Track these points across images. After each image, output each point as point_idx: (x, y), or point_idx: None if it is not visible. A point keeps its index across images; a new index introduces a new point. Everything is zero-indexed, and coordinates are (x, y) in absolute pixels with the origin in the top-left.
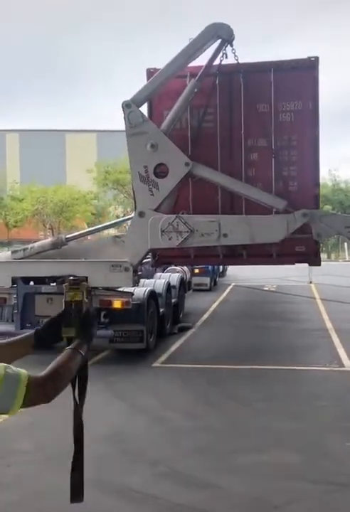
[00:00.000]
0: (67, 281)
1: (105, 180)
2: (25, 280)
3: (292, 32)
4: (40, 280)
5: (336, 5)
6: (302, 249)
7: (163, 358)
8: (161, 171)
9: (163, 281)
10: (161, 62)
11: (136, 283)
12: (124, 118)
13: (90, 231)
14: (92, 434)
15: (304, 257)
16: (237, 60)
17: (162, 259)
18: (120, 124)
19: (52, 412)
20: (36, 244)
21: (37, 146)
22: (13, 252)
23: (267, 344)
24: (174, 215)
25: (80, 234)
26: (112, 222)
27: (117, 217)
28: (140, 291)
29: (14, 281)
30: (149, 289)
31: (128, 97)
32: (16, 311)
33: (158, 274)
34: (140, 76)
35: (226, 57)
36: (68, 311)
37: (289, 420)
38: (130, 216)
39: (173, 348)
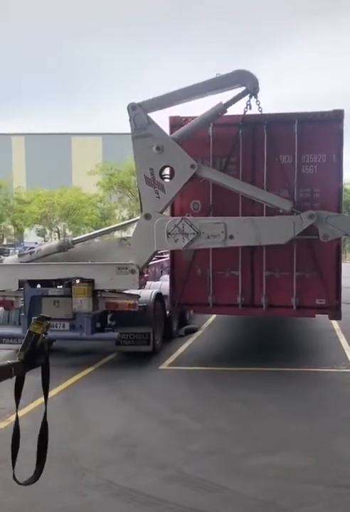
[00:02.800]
0: (36, 316)
1: (110, 182)
2: (32, 283)
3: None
4: (47, 283)
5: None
6: (323, 302)
7: (170, 360)
8: (166, 174)
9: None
10: (162, 70)
11: (142, 285)
12: (130, 120)
13: (96, 234)
14: (99, 437)
15: (325, 310)
16: (260, 111)
17: (182, 306)
18: (126, 127)
19: (54, 416)
20: (43, 247)
21: (42, 149)
22: (19, 255)
23: (275, 346)
24: (180, 217)
25: (86, 237)
26: (118, 224)
27: (123, 219)
28: (146, 293)
29: (21, 284)
30: (155, 291)
31: (132, 99)
32: (23, 314)
33: (164, 276)
34: (145, 79)
35: (250, 109)
36: (28, 338)
37: (299, 422)
38: (136, 218)
39: (180, 350)
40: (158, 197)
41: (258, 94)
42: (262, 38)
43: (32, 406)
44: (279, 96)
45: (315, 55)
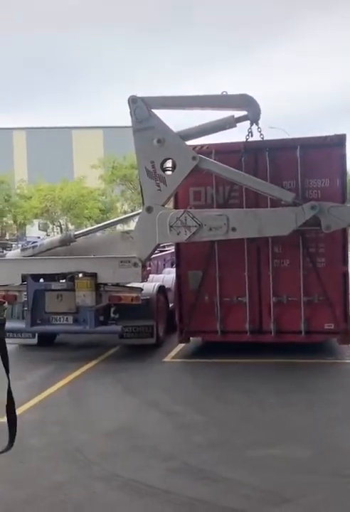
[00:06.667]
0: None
1: (112, 175)
2: (35, 277)
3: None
4: (49, 277)
5: None
6: (331, 326)
7: (173, 352)
8: (168, 166)
9: (173, 276)
10: (163, 64)
11: (145, 278)
12: (131, 113)
13: (99, 227)
14: (104, 429)
15: (334, 334)
16: (262, 138)
17: (190, 334)
18: (127, 120)
19: (59, 409)
20: (45, 241)
21: (44, 144)
22: (22, 250)
23: None
24: (182, 210)
25: (88, 230)
26: (120, 217)
27: (125, 213)
28: (149, 286)
29: (24, 278)
30: (158, 284)
31: (133, 92)
32: (26, 309)
33: (167, 269)
34: (146, 72)
35: (252, 136)
36: None
37: (302, 413)
38: (138, 211)
39: (186, 343)
40: (160, 190)
41: (259, 122)
42: (262, 33)
43: (37, 398)
44: (277, 93)
45: (313, 52)
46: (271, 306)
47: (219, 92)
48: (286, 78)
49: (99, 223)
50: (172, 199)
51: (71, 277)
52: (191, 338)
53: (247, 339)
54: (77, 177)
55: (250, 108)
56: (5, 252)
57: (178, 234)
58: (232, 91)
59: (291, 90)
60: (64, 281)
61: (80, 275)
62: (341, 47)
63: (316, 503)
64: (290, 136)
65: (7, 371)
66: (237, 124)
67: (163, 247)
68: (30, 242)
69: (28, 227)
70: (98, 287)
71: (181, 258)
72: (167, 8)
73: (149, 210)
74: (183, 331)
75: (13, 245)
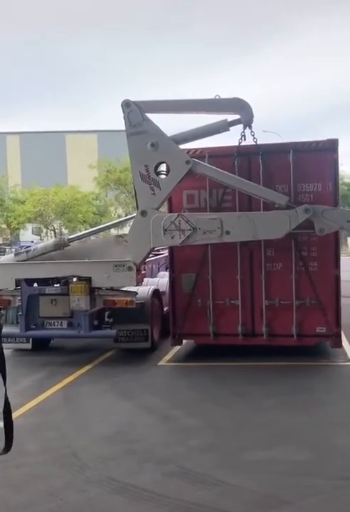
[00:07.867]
0: None
1: (107, 179)
2: (29, 282)
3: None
4: (43, 281)
5: None
6: (323, 330)
7: (168, 356)
8: (162, 170)
9: (167, 279)
10: (157, 67)
11: (139, 282)
12: (124, 117)
13: (93, 231)
14: (100, 433)
15: (325, 337)
16: (255, 142)
17: (183, 337)
18: (121, 124)
19: (54, 414)
20: (39, 245)
21: (38, 148)
22: (16, 254)
23: None
24: (176, 214)
25: (82, 234)
26: (115, 221)
27: (119, 217)
28: (144, 290)
29: (18, 283)
30: (152, 287)
31: (128, 96)
32: (20, 313)
33: (161, 273)
34: (140, 76)
35: (245, 139)
36: None
37: (297, 416)
38: (132, 215)
39: (179, 346)
40: (154, 193)
41: (252, 125)
42: (262, 32)
43: (32, 403)
44: (277, 93)
45: (310, 53)
46: (263, 309)
47: (214, 95)
48: (286, 78)
49: (93, 227)
50: (166, 202)
51: (65, 282)
52: (183, 341)
53: (240, 342)
54: (71, 184)
55: (242, 112)
56: None
57: (172, 237)
58: (232, 92)
59: (291, 90)
60: (58, 285)
61: (74, 279)
62: (341, 47)
63: (315, 505)
64: (283, 140)
65: (4, 377)
66: (231, 128)
67: (158, 250)
68: (23, 246)
69: (21, 231)
70: (92, 291)
71: (175, 261)
72: (166, 10)
73: (143, 213)
74: (176, 333)
75: (7, 250)
